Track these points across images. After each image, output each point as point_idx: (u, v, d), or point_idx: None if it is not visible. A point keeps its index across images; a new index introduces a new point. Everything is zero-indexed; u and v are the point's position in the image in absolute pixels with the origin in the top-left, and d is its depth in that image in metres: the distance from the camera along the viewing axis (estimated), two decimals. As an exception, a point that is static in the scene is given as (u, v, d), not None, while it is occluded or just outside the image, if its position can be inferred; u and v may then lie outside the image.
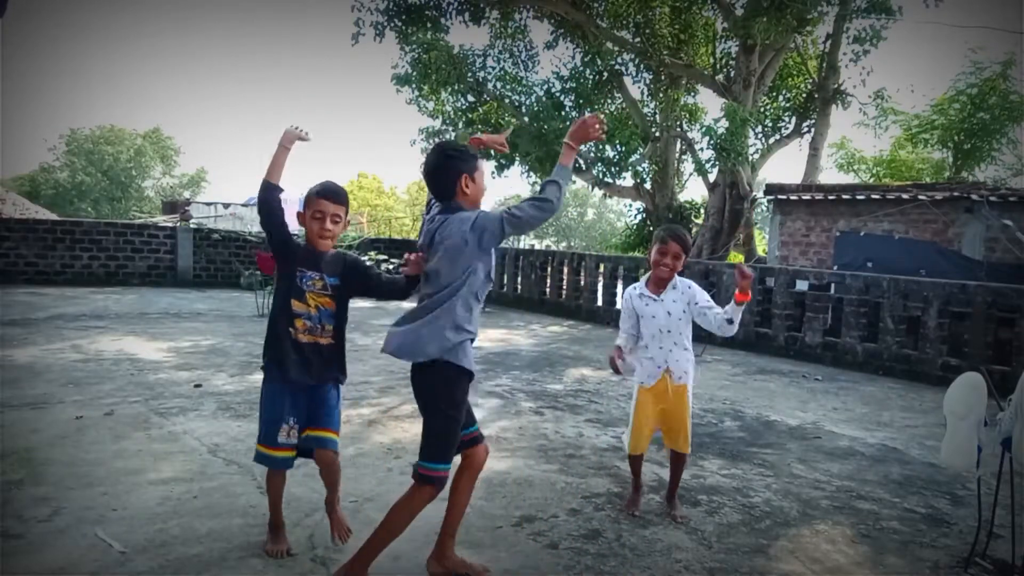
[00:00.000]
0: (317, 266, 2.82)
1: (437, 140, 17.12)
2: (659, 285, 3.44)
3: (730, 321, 3.25)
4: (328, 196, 2.83)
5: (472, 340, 2.64)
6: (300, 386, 2.81)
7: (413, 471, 2.64)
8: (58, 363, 6.25)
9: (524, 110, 16.11)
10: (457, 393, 2.60)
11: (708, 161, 14.82)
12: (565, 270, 12.45)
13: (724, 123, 13.30)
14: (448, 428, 2.60)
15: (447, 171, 2.64)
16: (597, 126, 2.63)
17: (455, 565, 2.77)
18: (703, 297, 3.42)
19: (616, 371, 3.38)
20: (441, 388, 2.58)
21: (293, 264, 2.82)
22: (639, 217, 19.11)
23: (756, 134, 16.01)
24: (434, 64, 15.21)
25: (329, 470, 2.92)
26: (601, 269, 12.00)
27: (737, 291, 3.16)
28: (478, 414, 5.39)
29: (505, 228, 2.53)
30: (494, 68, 16.83)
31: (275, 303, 2.86)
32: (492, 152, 16.60)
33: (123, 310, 10.12)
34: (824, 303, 8.84)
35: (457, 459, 2.76)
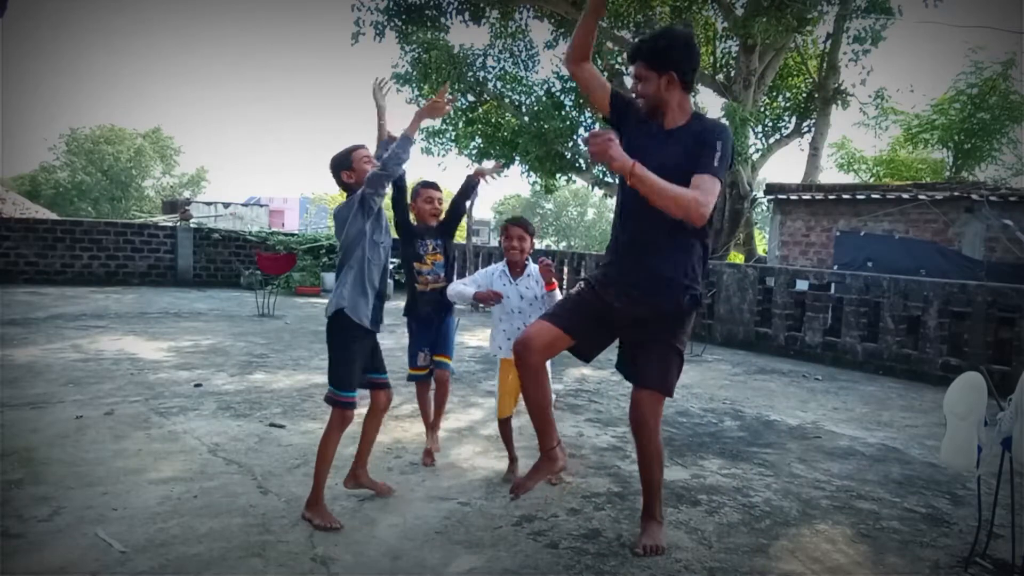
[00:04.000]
0: (430, 235, 4.09)
1: (436, 139, 17.21)
2: (515, 270, 3.78)
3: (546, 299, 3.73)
4: (432, 186, 4.12)
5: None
6: (428, 321, 4.07)
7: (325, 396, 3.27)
8: (58, 363, 6.25)
9: (524, 110, 16.09)
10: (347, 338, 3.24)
11: (708, 161, 14.78)
12: (565, 270, 12.46)
13: (724, 123, 13.30)
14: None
15: (333, 174, 3.33)
16: (446, 106, 3.26)
17: (365, 482, 3.46)
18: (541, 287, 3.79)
19: (481, 300, 3.69)
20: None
21: (414, 237, 4.05)
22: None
23: (756, 134, 15.99)
24: (434, 64, 15.19)
25: (442, 388, 4.10)
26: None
27: (546, 284, 3.69)
28: (478, 413, 5.40)
29: (366, 192, 3.18)
30: (494, 68, 16.81)
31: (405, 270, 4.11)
32: (492, 151, 16.67)
33: (123, 310, 10.12)
34: (824, 303, 8.84)
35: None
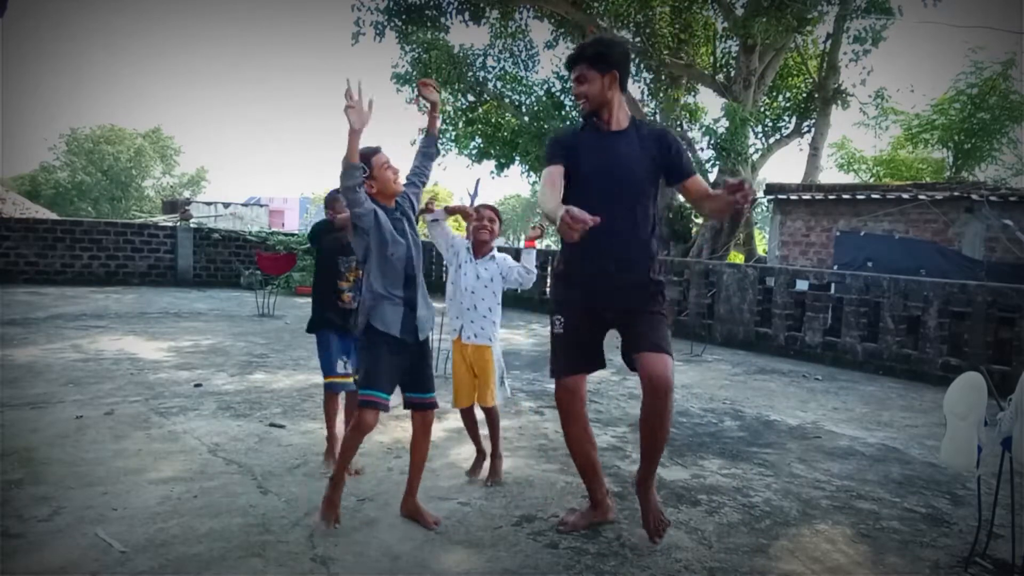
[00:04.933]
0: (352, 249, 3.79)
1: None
2: (480, 249, 3.78)
3: (527, 269, 3.76)
4: None
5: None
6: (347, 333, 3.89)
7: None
8: (58, 363, 6.25)
9: (524, 110, 16.10)
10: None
11: (708, 161, 14.81)
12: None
13: (724, 123, 13.31)
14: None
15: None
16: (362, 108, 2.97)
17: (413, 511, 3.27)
18: (511, 261, 3.84)
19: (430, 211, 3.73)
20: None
21: (335, 252, 3.88)
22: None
23: (756, 134, 15.99)
24: (434, 64, 15.20)
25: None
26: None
27: (526, 239, 3.80)
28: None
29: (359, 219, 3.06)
30: (494, 68, 16.82)
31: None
32: (492, 151, 16.66)
33: (123, 309, 10.12)
34: (824, 303, 8.84)
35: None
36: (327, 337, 3.91)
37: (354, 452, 3.14)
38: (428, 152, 3.47)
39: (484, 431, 3.90)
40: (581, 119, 3.20)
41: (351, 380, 3.83)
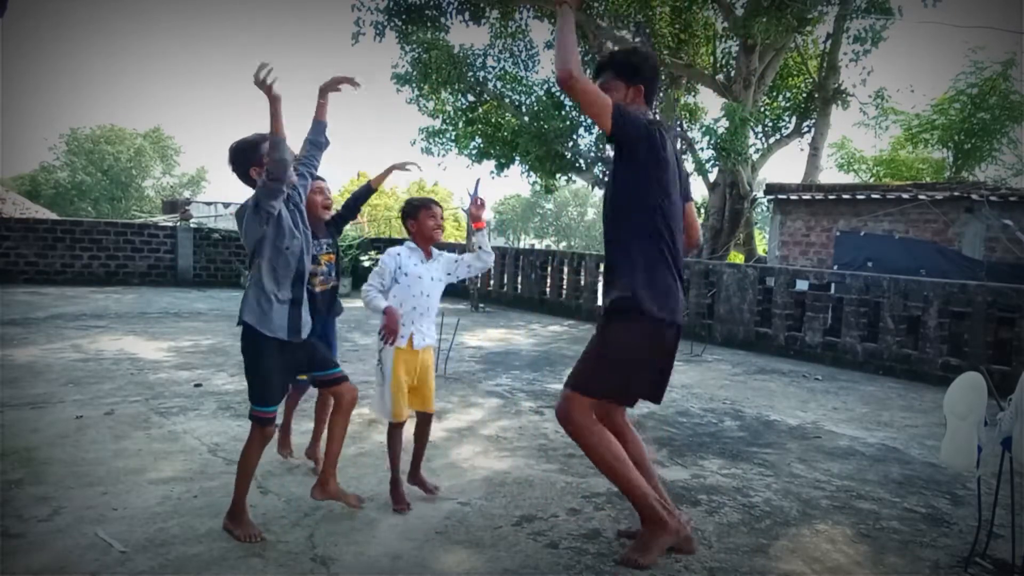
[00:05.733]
0: (323, 233, 3.82)
1: (436, 139, 17.20)
2: (427, 251, 3.53)
3: (487, 252, 3.57)
4: (317, 177, 3.54)
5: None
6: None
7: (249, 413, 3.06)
8: (58, 362, 6.25)
9: (524, 109, 16.09)
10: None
11: (708, 161, 14.81)
12: (565, 270, 12.45)
13: (724, 123, 13.30)
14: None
15: (237, 166, 3.01)
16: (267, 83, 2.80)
17: (334, 493, 3.21)
18: (451, 255, 3.67)
19: (392, 338, 3.27)
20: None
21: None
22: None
23: (756, 134, 15.99)
24: (434, 64, 15.19)
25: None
26: (601, 269, 11.98)
27: (475, 221, 3.62)
28: (478, 413, 5.39)
29: (260, 204, 2.86)
30: (494, 68, 16.80)
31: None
32: (492, 151, 16.65)
33: (123, 309, 10.12)
34: (824, 303, 8.84)
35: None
36: None
37: (255, 467, 3.06)
38: (316, 141, 3.24)
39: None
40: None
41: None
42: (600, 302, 3.00)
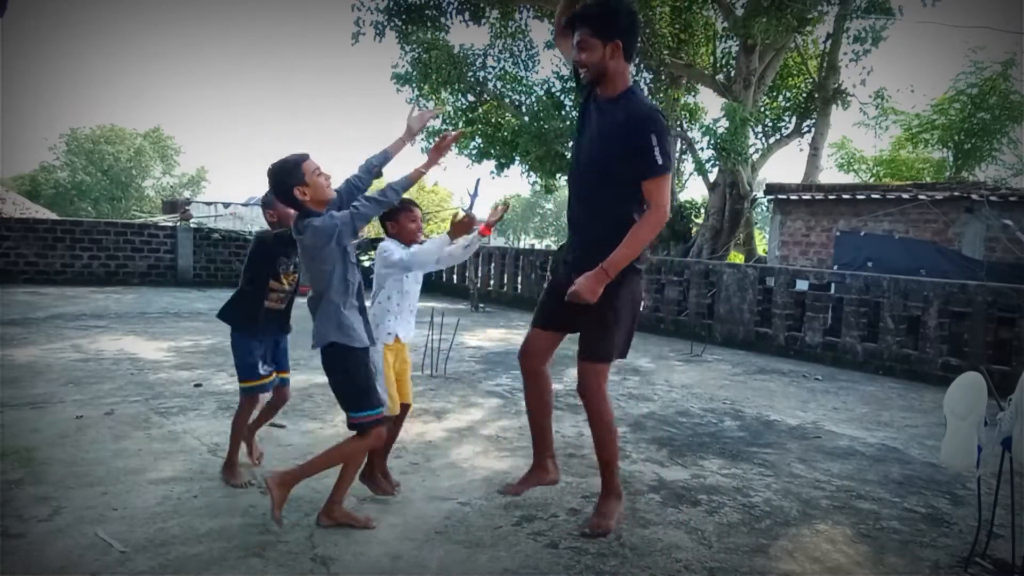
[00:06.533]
0: (294, 250, 3.57)
1: (436, 138, 17.20)
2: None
3: (467, 246, 3.49)
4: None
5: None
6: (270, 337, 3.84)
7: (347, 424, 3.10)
8: (58, 362, 6.25)
9: (524, 110, 16.09)
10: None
11: (708, 161, 14.80)
12: (565, 270, 12.44)
13: (724, 123, 13.30)
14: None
15: (281, 187, 3.00)
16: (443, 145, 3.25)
17: (340, 517, 3.14)
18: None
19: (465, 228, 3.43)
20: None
21: (276, 253, 3.62)
22: (639, 217, 19.06)
23: (756, 134, 15.99)
24: (434, 64, 15.18)
25: (282, 403, 4.04)
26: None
27: (484, 226, 3.50)
28: (478, 413, 5.39)
29: (355, 225, 2.95)
30: (494, 68, 16.79)
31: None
32: (492, 151, 16.67)
33: (123, 309, 10.12)
34: (824, 303, 8.84)
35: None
36: (246, 341, 3.77)
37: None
38: (373, 167, 3.22)
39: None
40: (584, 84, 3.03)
41: (269, 380, 3.80)
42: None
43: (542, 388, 3.37)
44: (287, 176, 2.98)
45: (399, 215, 3.50)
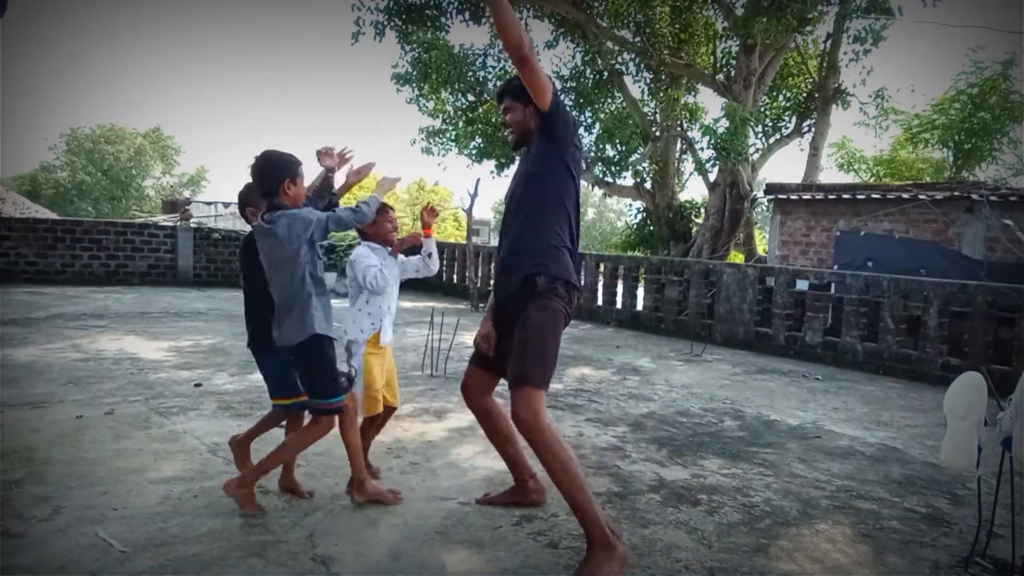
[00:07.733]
0: None
1: (436, 139, 17.20)
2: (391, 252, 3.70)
3: (431, 254, 3.72)
4: None
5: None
6: None
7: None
8: (58, 362, 6.25)
9: (524, 109, 16.08)
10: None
11: (708, 161, 14.82)
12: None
13: (724, 123, 13.31)
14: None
15: (271, 181, 3.03)
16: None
17: (372, 492, 3.36)
18: (401, 256, 3.77)
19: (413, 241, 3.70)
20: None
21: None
22: (639, 216, 19.11)
23: (756, 134, 16.00)
24: (434, 63, 15.20)
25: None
26: (601, 268, 12.00)
27: (424, 228, 3.71)
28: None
29: (329, 227, 3.07)
30: (494, 68, 16.82)
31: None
32: (492, 152, 16.66)
33: (123, 309, 10.12)
34: (824, 303, 8.84)
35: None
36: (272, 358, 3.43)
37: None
38: (323, 197, 3.43)
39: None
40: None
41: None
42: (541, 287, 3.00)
43: (492, 420, 3.40)
44: (284, 168, 3.03)
45: (377, 215, 3.51)
